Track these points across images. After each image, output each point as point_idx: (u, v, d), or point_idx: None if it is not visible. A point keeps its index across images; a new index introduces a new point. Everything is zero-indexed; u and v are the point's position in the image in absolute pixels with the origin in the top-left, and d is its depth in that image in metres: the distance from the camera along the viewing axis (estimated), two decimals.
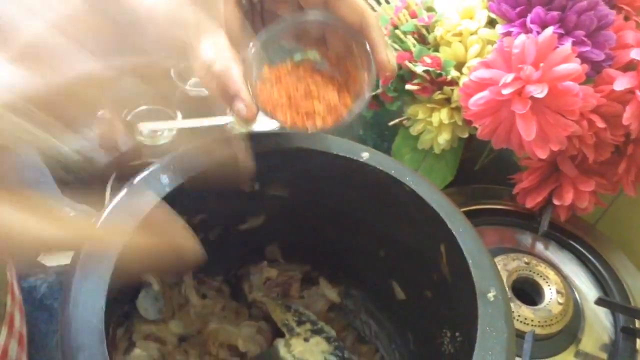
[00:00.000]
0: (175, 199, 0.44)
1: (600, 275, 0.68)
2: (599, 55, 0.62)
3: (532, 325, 0.61)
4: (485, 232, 0.71)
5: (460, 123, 0.68)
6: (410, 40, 0.69)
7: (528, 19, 0.63)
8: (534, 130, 0.59)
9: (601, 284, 0.67)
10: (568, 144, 0.62)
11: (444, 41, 0.68)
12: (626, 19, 0.66)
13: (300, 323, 0.52)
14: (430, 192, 0.47)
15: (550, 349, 0.61)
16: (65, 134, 0.35)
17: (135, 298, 0.49)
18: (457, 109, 0.68)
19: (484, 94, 0.60)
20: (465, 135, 0.70)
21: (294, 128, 0.44)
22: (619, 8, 0.66)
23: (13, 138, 0.33)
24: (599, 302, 0.63)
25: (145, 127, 0.78)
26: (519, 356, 0.58)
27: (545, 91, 0.57)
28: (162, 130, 0.80)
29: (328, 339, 0.52)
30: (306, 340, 0.50)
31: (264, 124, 0.78)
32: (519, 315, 0.61)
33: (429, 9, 0.71)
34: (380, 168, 0.48)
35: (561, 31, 0.62)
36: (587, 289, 0.67)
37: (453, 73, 0.67)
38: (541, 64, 0.58)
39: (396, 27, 0.71)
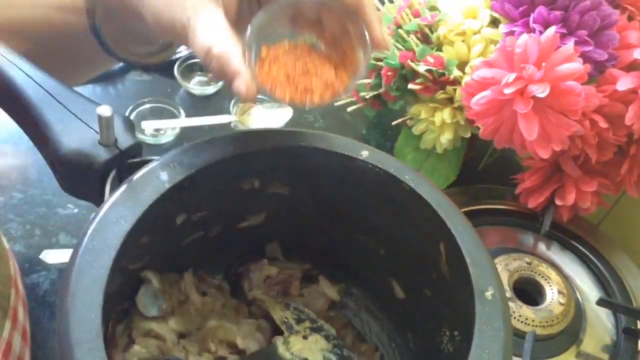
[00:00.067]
0: (174, 196, 0.45)
1: (602, 276, 0.67)
2: (601, 55, 0.62)
3: (533, 325, 0.61)
4: (487, 232, 0.71)
5: (462, 123, 0.68)
6: (413, 40, 0.69)
7: (531, 18, 0.63)
8: (536, 130, 0.59)
9: (603, 284, 0.67)
10: (570, 144, 0.62)
11: (447, 40, 0.68)
12: (630, 18, 0.65)
13: (299, 321, 0.52)
14: (429, 190, 0.47)
15: (551, 350, 0.61)
16: None
17: (135, 295, 0.49)
18: (460, 108, 0.68)
19: (486, 93, 0.60)
20: (468, 135, 0.69)
21: (292, 104, 0.45)
22: (622, 8, 0.66)
23: None
24: (600, 302, 0.62)
25: (148, 125, 0.78)
26: (520, 356, 0.58)
27: (547, 91, 0.57)
28: (165, 128, 0.80)
29: (327, 337, 0.52)
30: (305, 338, 0.50)
31: (263, 122, 0.79)
32: (520, 316, 0.61)
33: (432, 8, 0.71)
34: (380, 166, 0.48)
35: (564, 31, 0.62)
36: (589, 290, 0.67)
37: (456, 72, 0.67)
38: (543, 64, 0.58)
39: (399, 27, 0.71)
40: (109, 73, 0.88)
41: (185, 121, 0.80)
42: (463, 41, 0.67)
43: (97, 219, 0.41)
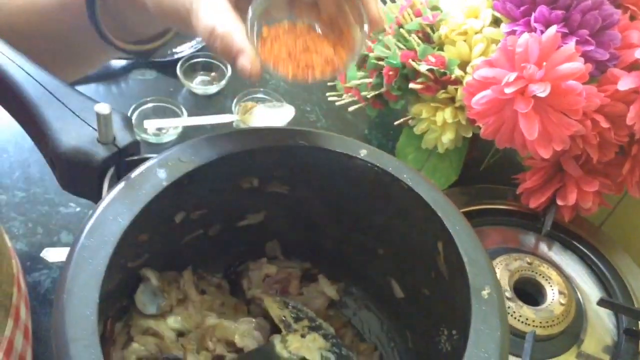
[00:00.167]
0: (173, 194, 0.45)
1: (604, 276, 0.67)
2: (603, 55, 0.61)
3: (533, 325, 0.60)
4: (488, 232, 0.71)
5: (464, 122, 0.68)
6: (414, 39, 0.69)
7: (532, 17, 0.62)
8: (537, 129, 0.59)
9: (604, 285, 0.67)
10: (572, 143, 0.61)
11: (448, 40, 0.68)
12: (632, 18, 0.65)
13: (297, 320, 0.52)
14: (428, 189, 0.47)
15: (551, 350, 0.61)
16: None
17: (134, 293, 0.49)
18: (461, 108, 0.68)
19: (487, 93, 0.60)
20: (469, 135, 0.69)
21: (295, 80, 0.46)
22: (624, 7, 0.66)
23: None
24: (601, 303, 0.62)
25: (150, 124, 0.78)
26: (519, 356, 0.58)
27: (548, 90, 0.57)
28: (168, 127, 0.81)
29: (326, 336, 0.51)
30: (303, 336, 0.50)
31: (266, 122, 0.79)
32: (520, 316, 0.61)
33: (434, 8, 0.71)
34: (378, 165, 0.48)
35: (565, 30, 0.61)
36: (590, 290, 0.66)
37: (457, 72, 0.67)
38: (544, 63, 0.58)
39: (401, 26, 0.71)
40: (112, 72, 0.88)
41: (187, 120, 0.80)
42: (465, 41, 0.67)
43: (95, 216, 0.41)
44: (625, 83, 0.60)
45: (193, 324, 0.51)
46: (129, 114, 0.80)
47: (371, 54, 0.71)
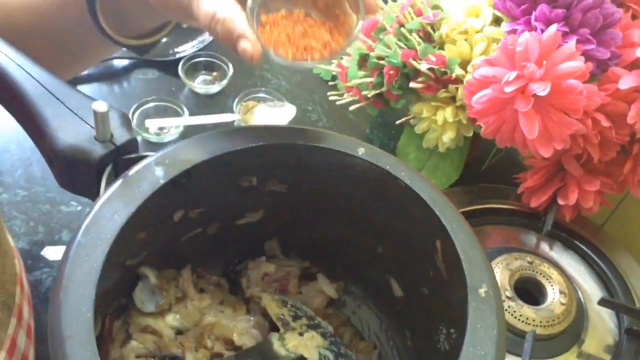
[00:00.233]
0: (171, 192, 0.45)
1: (605, 276, 0.67)
2: (604, 54, 0.61)
3: (533, 325, 0.60)
4: (489, 232, 0.71)
5: (465, 122, 0.68)
6: (415, 38, 0.68)
7: (533, 16, 0.62)
8: (537, 128, 0.58)
9: (606, 284, 0.67)
10: (572, 143, 0.61)
11: (449, 39, 0.68)
12: (633, 17, 0.65)
13: (296, 318, 0.52)
14: (425, 188, 0.47)
15: (552, 350, 0.61)
16: None
17: (133, 291, 0.49)
18: (462, 107, 0.68)
19: (487, 91, 0.60)
20: (470, 134, 0.69)
21: (295, 62, 0.47)
22: (626, 6, 0.66)
23: None
24: (602, 302, 0.62)
25: (152, 123, 0.79)
26: (520, 356, 0.58)
27: (548, 89, 0.57)
28: (169, 127, 0.81)
29: (324, 335, 0.51)
30: (301, 334, 0.50)
31: (267, 121, 0.79)
32: (520, 315, 0.60)
33: (435, 7, 0.71)
34: (377, 163, 0.48)
35: (566, 29, 0.61)
36: (591, 290, 0.66)
37: (458, 71, 0.66)
38: (544, 62, 0.58)
39: (402, 25, 0.71)
40: (114, 72, 0.88)
41: (189, 119, 0.80)
42: (465, 40, 0.67)
43: (92, 214, 0.41)
44: (626, 82, 0.59)
45: (191, 322, 0.51)
46: (130, 114, 0.80)
47: (372, 53, 0.71)
